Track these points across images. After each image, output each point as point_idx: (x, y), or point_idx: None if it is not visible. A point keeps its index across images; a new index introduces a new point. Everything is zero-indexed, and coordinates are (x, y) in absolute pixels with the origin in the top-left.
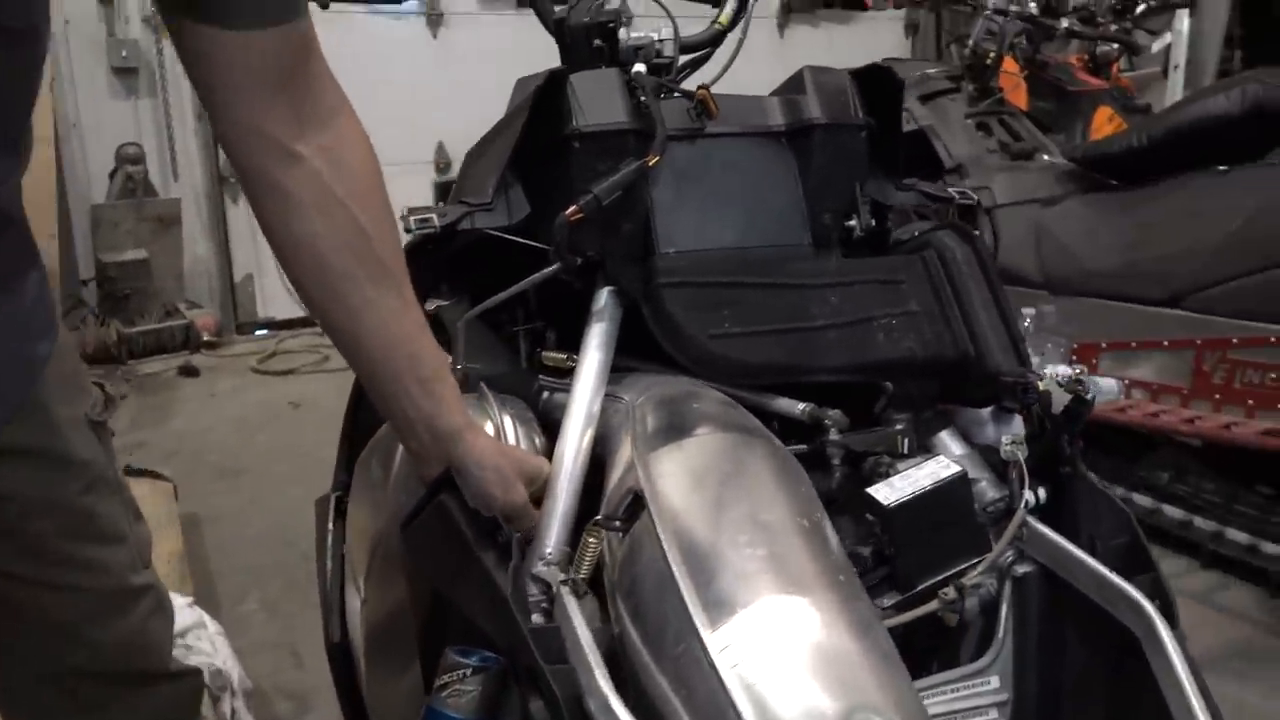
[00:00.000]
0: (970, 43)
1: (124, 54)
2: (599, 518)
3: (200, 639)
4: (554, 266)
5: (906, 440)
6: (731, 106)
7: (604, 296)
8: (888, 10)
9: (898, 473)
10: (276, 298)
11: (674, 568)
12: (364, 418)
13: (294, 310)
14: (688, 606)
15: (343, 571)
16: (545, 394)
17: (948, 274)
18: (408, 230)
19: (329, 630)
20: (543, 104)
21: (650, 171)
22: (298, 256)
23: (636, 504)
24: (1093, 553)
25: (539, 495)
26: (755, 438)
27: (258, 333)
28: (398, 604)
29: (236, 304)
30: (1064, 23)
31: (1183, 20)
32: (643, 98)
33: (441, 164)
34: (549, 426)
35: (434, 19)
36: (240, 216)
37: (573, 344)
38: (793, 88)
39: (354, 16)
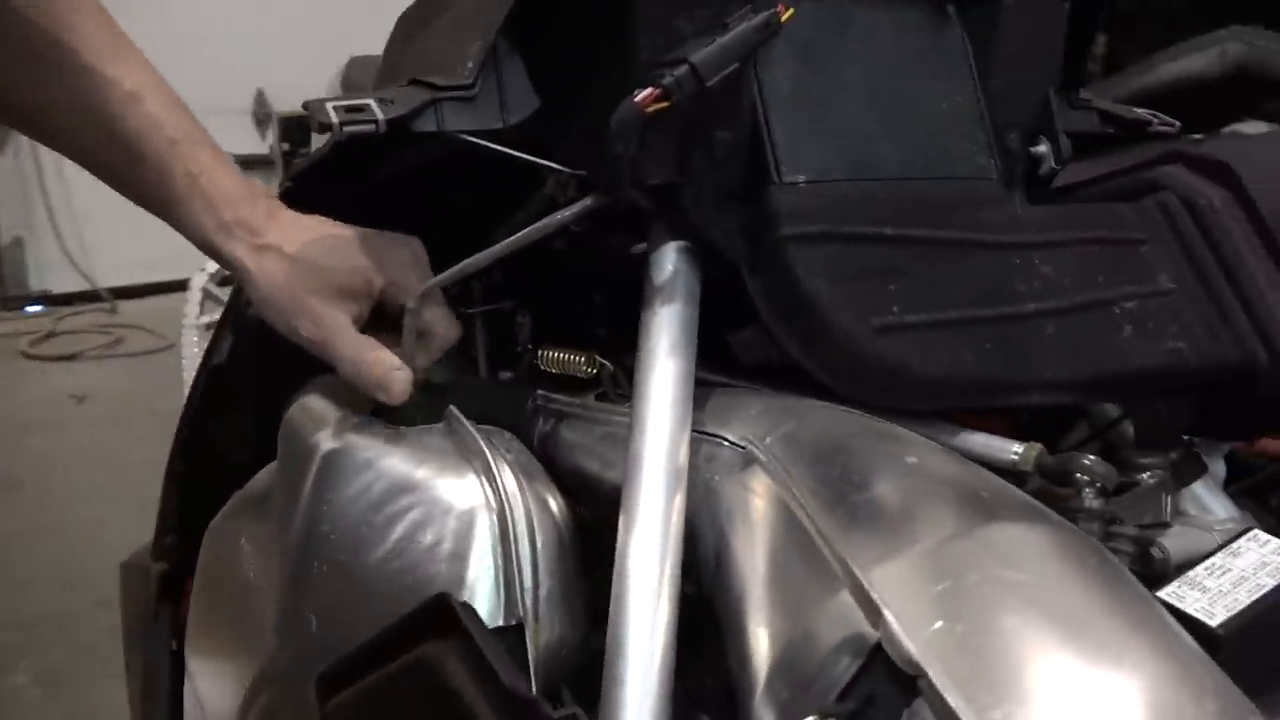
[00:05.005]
0: None
1: None
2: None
3: None
4: (587, 201)
5: (1169, 501)
6: None
7: (670, 258)
8: None
9: (1188, 559)
10: (53, 267)
11: None
12: (211, 443)
13: (76, 282)
14: None
15: (172, 697)
16: (543, 422)
17: (1204, 233)
18: (326, 129)
19: None
20: None
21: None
22: None
23: (895, 684)
24: None
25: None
26: (1075, 536)
27: (29, 309)
28: None
29: (3, 274)
30: None
31: None
32: None
33: (261, 116)
34: (560, 478)
35: None
36: (6, 169)
37: (564, 335)
38: None
39: None
